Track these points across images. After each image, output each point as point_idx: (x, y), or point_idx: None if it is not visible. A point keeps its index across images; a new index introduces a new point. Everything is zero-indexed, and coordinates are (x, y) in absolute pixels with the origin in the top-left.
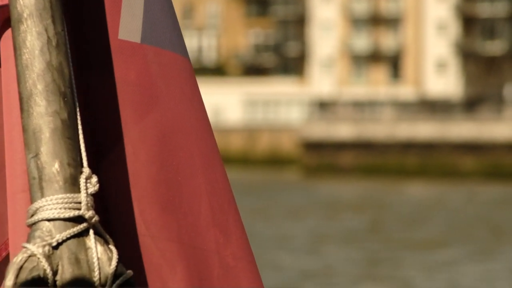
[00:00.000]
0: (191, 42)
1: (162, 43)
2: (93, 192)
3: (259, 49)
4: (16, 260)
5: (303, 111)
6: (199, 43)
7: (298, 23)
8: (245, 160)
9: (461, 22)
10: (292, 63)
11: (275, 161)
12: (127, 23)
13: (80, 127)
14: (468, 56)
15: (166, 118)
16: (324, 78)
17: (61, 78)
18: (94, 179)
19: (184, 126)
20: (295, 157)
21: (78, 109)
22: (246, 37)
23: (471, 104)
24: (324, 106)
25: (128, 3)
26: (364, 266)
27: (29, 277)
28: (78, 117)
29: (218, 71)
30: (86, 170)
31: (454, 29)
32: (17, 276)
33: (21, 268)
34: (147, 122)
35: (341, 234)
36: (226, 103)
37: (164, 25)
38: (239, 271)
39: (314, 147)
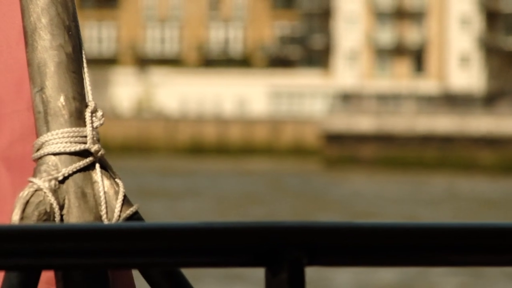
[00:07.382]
0: (217, 33)
1: None
2: (98, 126)
3: (284, 41)
4: (23, 194)
5: (327, 103)
6: (225, 34)
7: (323, 16)
8: (270, 151)
9: (485, 17)
10: (316, 56)
11: (298, 152)
12: None
13: (84, 60)
14: (491, 51)
15: None
16: (348, 70)
17: (65, 12)
18: (100, 113)
19: None
20: (318, 149)
21: (82, 43)
22: (271, 29)
23: (491, 99)
24: (347, 99)
25: None
26: None
27: (36, 211)
28: (83, 51)
29: (243, 62)
30: (91, 104)
31: (477, 23)
32: (23, 210)
33: (27, 202)
34: None
35: None
36: (251, 94)
37: None
38: None
39: (335, 139)
